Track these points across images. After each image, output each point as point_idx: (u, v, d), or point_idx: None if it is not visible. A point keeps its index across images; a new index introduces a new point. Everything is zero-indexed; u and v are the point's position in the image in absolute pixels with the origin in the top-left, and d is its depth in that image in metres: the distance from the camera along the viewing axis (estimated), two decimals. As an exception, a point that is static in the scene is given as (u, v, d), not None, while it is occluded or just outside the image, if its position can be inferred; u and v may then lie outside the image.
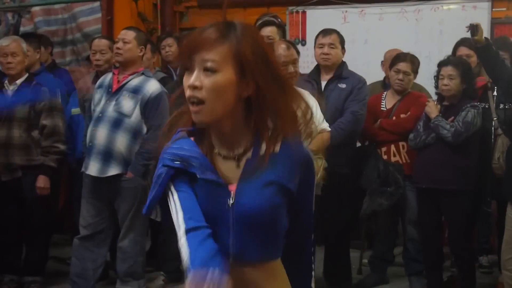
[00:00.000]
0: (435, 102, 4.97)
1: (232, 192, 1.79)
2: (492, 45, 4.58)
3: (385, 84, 5.87)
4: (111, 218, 4.85)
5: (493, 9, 6.62)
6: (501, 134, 4.90)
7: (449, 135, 4.71)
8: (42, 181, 5.09)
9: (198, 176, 1.78)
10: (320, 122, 4.35)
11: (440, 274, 5.11)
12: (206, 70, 1.73)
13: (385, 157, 5.13)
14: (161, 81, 5.58)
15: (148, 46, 5.61)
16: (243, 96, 1.77)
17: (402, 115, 5.18)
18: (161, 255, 5.38)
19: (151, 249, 5.82)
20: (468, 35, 4.74)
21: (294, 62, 4.39)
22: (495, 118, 4.99)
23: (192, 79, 1.74)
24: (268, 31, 5.32)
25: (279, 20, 5.59)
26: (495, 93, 5.09)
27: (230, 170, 1.82)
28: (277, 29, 5.36)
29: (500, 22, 6.63)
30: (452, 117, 4.79)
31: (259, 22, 5.53)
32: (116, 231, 4.88)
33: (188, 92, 1.76)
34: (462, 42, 5.47)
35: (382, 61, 6.05)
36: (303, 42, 7.34)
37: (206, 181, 1.78)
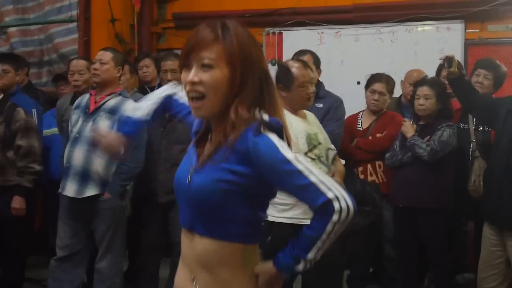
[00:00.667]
0: (411, 122, 5.02)
1: (191, 170, 2.00)
2: (465, 75, 4.62)
3: (400, 103, 5.87)
4: (88, 239, 4.81)
5: (467, 31, 6.70)
6: (478, 157, 4.95)
7: (425, 154, 4.76)
8: (17, 202, 5.04)
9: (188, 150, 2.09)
10: (329, 142, 4.26)
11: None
12: (204, 66, 1.90)
13: (362, 176, 5.16)
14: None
15: (127, 67, 5.62)
16: (233, 92, 1.93)
17: (378, 135, 5.22)
18: (139, 276, 5.34)
19: (129, 270, 5.78)
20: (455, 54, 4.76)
21: (312, 81, 4.13)
22: (473, 140, 5.03)
23: (191, 74, 1.92)
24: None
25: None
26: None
27: (207, 153, 2.00)
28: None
29: (474, 44, 6.70)
30: (428, 137, 4.84)
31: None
32: (93, 252, 4.85)
33: (188, 87, 1.94)
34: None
35: (401, 81, 6.02)
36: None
37: (187, 155, 2.09)
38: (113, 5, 7.27)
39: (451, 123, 4.92)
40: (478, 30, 6.75)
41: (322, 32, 7.12)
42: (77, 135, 4.68)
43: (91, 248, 4.85)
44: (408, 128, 4.95)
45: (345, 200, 1.90)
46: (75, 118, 4.80)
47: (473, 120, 5.10)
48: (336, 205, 1.88)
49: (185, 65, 1.96)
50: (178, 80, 4.97)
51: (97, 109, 4.72)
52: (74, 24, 7.36)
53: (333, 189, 1.89)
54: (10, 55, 6.52)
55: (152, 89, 6.14)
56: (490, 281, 4.53)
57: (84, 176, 4.61)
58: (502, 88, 5.31)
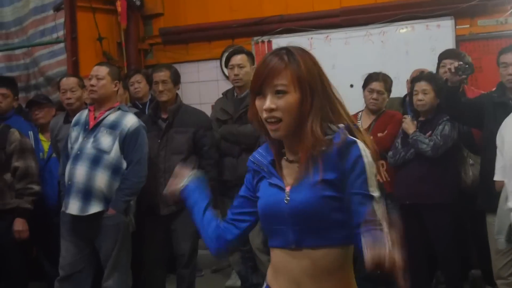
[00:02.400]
0: (411, 118, 4.98)
1: (287, 190, 2.12)
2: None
3: (404, 102, 5.81)
4: (91, 257, 4.73)
5: (457, 27, 6.68)
6: (462, 147, 4.98)
7: (428, 149, 4.73)
8: (19, 224, 4.96)
9: (267, 180, 2.19)
10: None
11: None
12: (278, 92, 2.06)
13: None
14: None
15: (120, 83, 5.59)
16: (305, 111, 2.06)
17: (379, 134, 5.17)
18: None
19: (134, 285, 5.69)
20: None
21: None
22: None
23: (268, 102, 2.07)
24: (239, 59, 5.35)
25: (247, 50, 5.61)
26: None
27: (293, 172, 2.15)
28: (247, 57, 5.40)
29: (465, 39, 6.67)
30: (430, 132, 4.81)
31: (228, 52, 5.54)
32: (97, 270, 4.75)
33: (265, 114, 2.08)
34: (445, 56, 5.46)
35: (407, 80, 5.97)
36: (271, 72, 7.32)
37: (270, 184, 2.18)
38: (100, 24, 7.25)
39: (451, 117, 4.88)
40: (469, 26, 6.73)
41: (311, 38, 7.08)
42: (78, 152, 4.62)
43: (95, 267, 4.76)
44: (409, 124, 4.92)
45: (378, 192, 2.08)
46: (75, 135, 4.73)
47: None
48: (375, 193, 2.05)
49: (259, 93, 2.11)
50: (170, 91, 4.97)
51: (97, 124, 4.67)
52: (59, 46, 7.29)
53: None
54: (9, 79, 6.42)
55: (144, 104, 6.12)
56: (507, 269, 4.48)
57: (87, 193, 4.55)
58: (491, 80, 5.27)
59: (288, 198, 2.10)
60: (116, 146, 4.62)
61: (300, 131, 2.09)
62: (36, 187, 5.05)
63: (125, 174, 4.64)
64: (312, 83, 2.08)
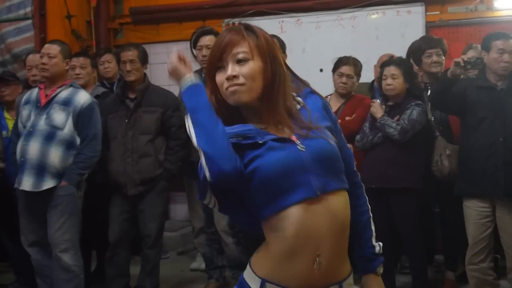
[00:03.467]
0: (380, 103, 4.98)
1: (296, 140, 2.03)
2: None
3: (372, 87, 5.81)
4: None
5: (427, 13, 6.72)
6: (438, 136, 4.94)
7: (395, 133, 4.73)
8: None
9: (259, 141, 2.00)
10: None
11: (392, 277, 5.10)
12: (239, 61, 2.02)
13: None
14: (103, 95, 5.52)
15: (88, 61, 5.64)
16: (266, 80, 2.05)
17: (348, 118, 5.16)
18: (108, 272, 5.20)
19: (98, 267, 5.66)
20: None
21: None
22: (432, 120, 5.02)
23: (229, 70, 2.02)
24: (207, 39, 5.32)
25: (217, 30, 5.57)
26: (429, 93, 5.11)
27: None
28: (216, 38, 5.32)
29: (435, 26, 6.71)
30: (398, 116, 4.81)
31: (197, 32, 5.49)
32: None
33: (225, 84, 2.02)
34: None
35: (374, 65, 5.97)
36: (241, 54, 7.30)
37: (269, 140, 2.01)
38: (69, 1, 7.17)
39: (420, 101, 4.88)
40: (439, 12, 6.76)
41: (282, 21, 7.07)
42: (30, 129, 4.64)
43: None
44: (377, 108, 4.92)
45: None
46: (26, 113, 4.75)
47: (428, 98, 5.09)
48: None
49: (219, 67, 2.06)
50: (137, 70, 4.93)
51: (49, 101, 4.68)
52: (26, 23, 7.22)
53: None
54: None
55: (113, 84, 6.07)
56: (479, 254, 4.56)
57: (41, 169, 4.56)
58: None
59: (302, 146, 2.01)
60: (70, 122, 4.64)
61: (265, 100, 2.06)
62: (0, 164, 4.99)
63: (80, 148, 4.66)
64: (273, 52, 2.07)
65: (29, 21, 7.08)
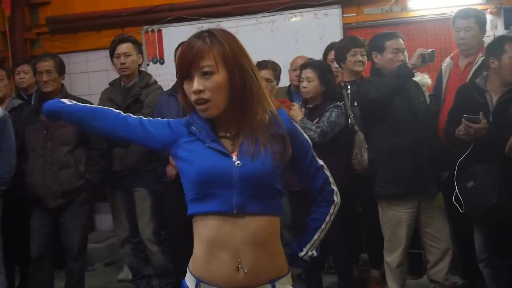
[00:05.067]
0: (299, 106, 5.02)
1: (234, 157, 2.14)
2: None
3: (290, 90, 5.86)
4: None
5: (344, 15, 6.83)
6: (357, 131, 5.01)
7: (315, 136, 4.76)
8: None
9: (206, 144, 2.17)
10: None
11: (319, 277, 5.15)
12: (205, 74, 2.10)
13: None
14: (19, 107, 5.39)
15: (3, 73, 5.51)
16: (234, 89, 2.12)
17: (268, 122, 5.18)
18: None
19: (21, 283, 5.54)
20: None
21: None
22: (351, 116, 5.09)
23: (195, 85, 2.11)
24: (125, 47, 5.28)
25: (134, 37, 5.54)
26: (349, 91, 5.21)
27: (228, 146, 2.19)
28: (133, 45, 5.33)
29: (352, 27, 6.82)
30: (317, 119, 4.85)
31: (115, 40, 5.44)
32: None
33: (193, 97, 2.13)
34: (332, 47, 5.60)
35: (289, 69, 6.00)
36: (161, 61, 7.28)
37: (209, 147, 2.17)
38: (-18, 11, 6.97)
39: (338, 103, 4.94)
40: (355, 14, 6.89)
41: (201, 27, 6.86)
42: None
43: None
44: (297, 111, 4.94)
45: (338, 196, 2.43)
46: None
47: (348, 96, 5.17)
48: (336, 198, 2.42)
49: (185, 77, 2.14)
50: (54, 81, 4.84)
51: None
52: None
53: (333, 182, 2.42)
54: None
55: (30, 96, 5.92)
56: (398, 255, 4.67)
57: None
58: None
59: (239, 162, 2.13)
60: None
61: (235, 108, 2.15)
62: None
63: None
64: (238, 60, 2.14)
65: None
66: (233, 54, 2.13)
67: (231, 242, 2.12)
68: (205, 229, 2.16)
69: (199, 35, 2.16)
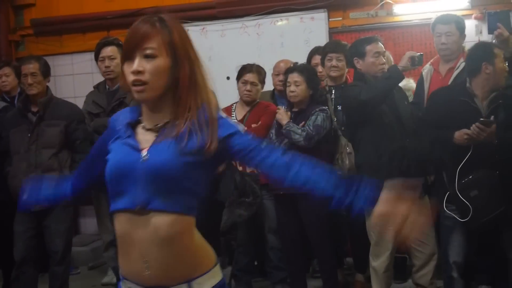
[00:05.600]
0: (285, 109, 5.03)
1: (144, 151, 2.09)
2: None
3: (274, 94, 5.83)
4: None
5: (330, 19, 6.87)
6: (340, 136, 5.03)
7: (301, 139, 4.78)
8: None
9: (122, 140, 2.15)
10: None
11: (304, 281, 5.15)
12: (147, 56, 2.06)
13: (240, 168, 5.11)
14: (4, 109, 5.35)
15: None
16: (176, 77, 2.09)
17: (253, 125, 5.20)
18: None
19: (5, 285, 5.50)
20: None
21: None
22: (334, 120, 5.09)
23: (135, 65, 2.06)
24: (109, 50, 5.29)
25: (119, 41, 5.51)
26: (333, 96, 5.21)
27: (148, 139, 2.13)
28: (117, 48, 5.31)
29: (337, 31, 6.86)
30: (303, 122, 4.86)
31: (99, 43, 5.43)
32: None
33: (131, 77, 2.07)
34: (316, 51, 5.62)
35: (272, 74, 5.96)
36: (146, 63, 7.26)
37: (124, 144, 2.14)
38: (-35, 14, 6.92)
39: (324, 107, 4.96)
40: (341, 18, 6.94)
41: (188, 30, 6.89)
42: None
43: None
44: (283, 115, 4.96)
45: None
46: None
47: (332, 100, 5.17)
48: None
49: (128, 58, 2.09)
50: (39, 83, 4.82)
51: None
52: None
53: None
54: None
55: (13, 98, 5.90)
56: (385, 259, 4.64)
57: None
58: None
59: (146, 157, 2.07)
60: None
61: (168, 98, 2.12)
62: None
63: None
64: (187, 49, 2.12)
65: None
66: (181, 42, 2.11)
67: (137, 240, 2.08)
68: (117, 227, 2.14)
69: (148, 19, 2.12)
